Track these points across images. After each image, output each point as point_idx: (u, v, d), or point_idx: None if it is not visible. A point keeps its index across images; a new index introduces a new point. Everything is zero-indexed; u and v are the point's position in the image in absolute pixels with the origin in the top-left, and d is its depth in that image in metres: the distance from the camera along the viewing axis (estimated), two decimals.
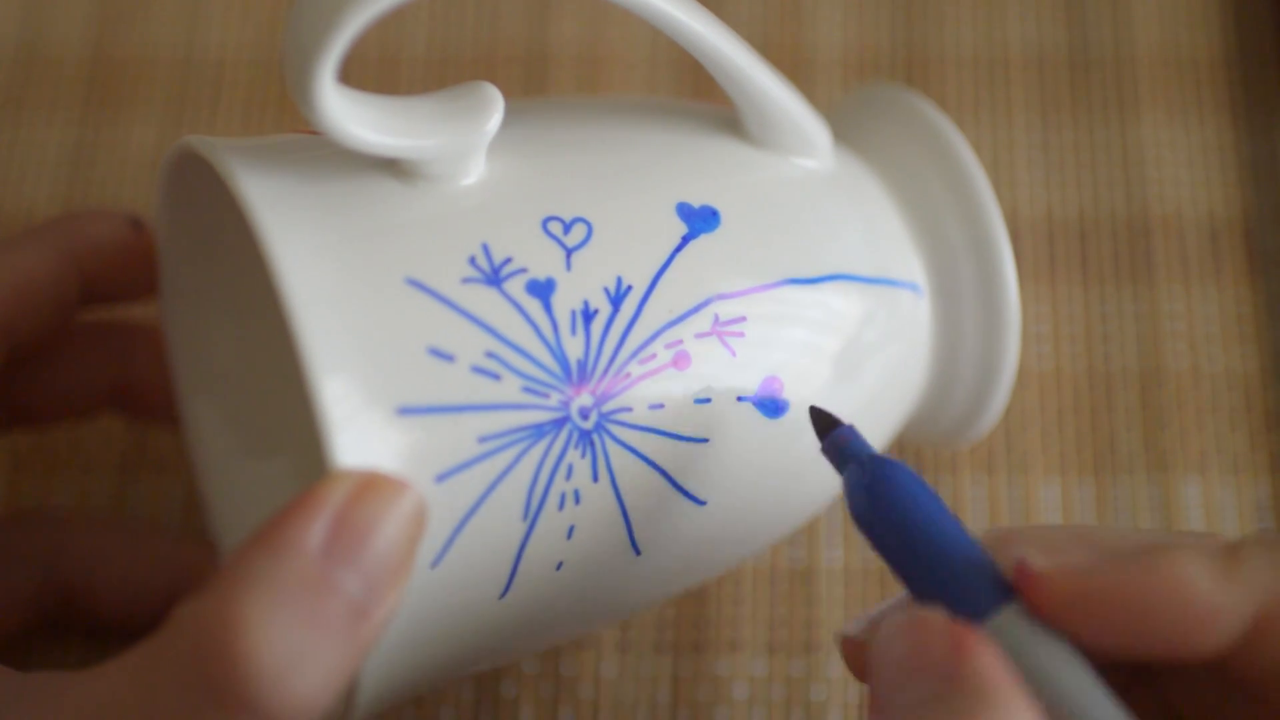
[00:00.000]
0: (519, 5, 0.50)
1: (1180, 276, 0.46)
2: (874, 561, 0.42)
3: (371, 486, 0.30)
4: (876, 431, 0.37)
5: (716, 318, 0.34)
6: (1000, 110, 0.49)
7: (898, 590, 0.42)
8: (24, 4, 0.51)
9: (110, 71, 0.50)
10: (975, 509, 0.43)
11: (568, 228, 0.33)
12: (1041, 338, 0.45)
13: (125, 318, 0.42)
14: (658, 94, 0.49)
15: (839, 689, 0.41)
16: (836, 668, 0.41)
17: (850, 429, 0.33)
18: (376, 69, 0.49)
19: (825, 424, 0.33)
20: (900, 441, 0.42)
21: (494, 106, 0.32)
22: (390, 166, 0.33)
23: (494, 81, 0.49)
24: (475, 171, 0.33)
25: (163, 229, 0.38)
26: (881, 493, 0.31)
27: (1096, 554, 0.30)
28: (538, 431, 0.32)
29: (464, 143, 0.32)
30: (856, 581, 0.42)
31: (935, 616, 0.29)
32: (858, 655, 0.32)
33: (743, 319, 0.34)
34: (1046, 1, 0.50)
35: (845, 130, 0.39)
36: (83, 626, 0.41)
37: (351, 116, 0.31)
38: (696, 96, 0.49)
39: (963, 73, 0.49)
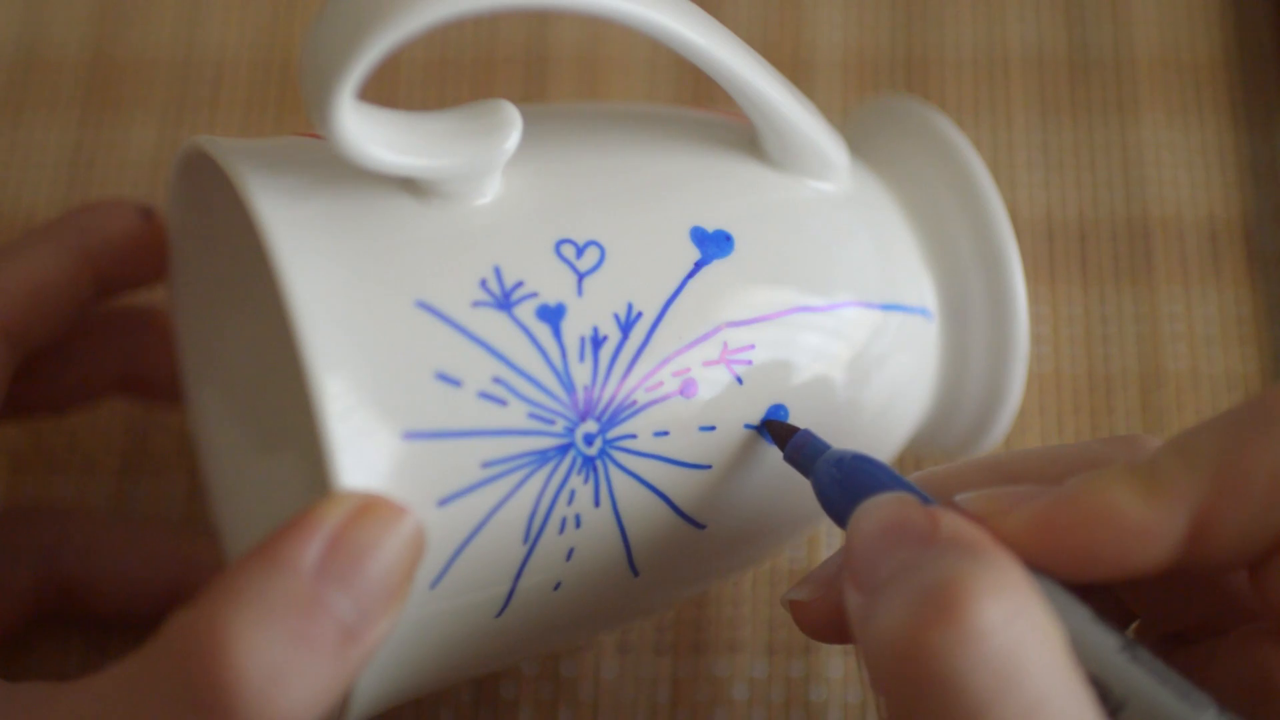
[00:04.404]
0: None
1: (1180, 277, 0.46)
2: None
3: (370, 510, 0.30)
4: (880, 452, 0.37)
5: (725, 345, 0.33)
6: (1000, 111, 0.49)
7: None
8: (24, 4, 0.51)
9: (110, 72, 0.50)
10: None
11: (580, 251, 0.32)
12: (1041, 339, 0.45)
13: (133, 303, 0.42)
14: (658, 97, 0.49)
15: (838, 690, 0.41)
16: (836, 668, 0.41)
17: (807, 432, 0.33)
18: (376, 69, 0.49)
19: (782, 433, 0.33)
20: (900, 451, 0.42)
21: (512, 126, 0.32)
22: (405, 182, 0.32)
23: (493, 83, 0.50)
24: (491, 191, 0.32)
25: (173, 225, 0.38)
26: (851, 481, 0.32)
27: (1019, 490, 0.30)
28: (542, 457, 0.31)
29: (481, 163, 0.32)
30: None
31: (909, 495, 0.30)
32: (809, 617, 0.32)
33: (751, 347, 0.34)
34: (1046, 2, 0.50)
35: (861, 142, 0.39)
36: (83, 621, 0.41)
37: (369, 136, 0.30)
38: (697, 99, 0.49)
39: (962, 73, 0.49)
